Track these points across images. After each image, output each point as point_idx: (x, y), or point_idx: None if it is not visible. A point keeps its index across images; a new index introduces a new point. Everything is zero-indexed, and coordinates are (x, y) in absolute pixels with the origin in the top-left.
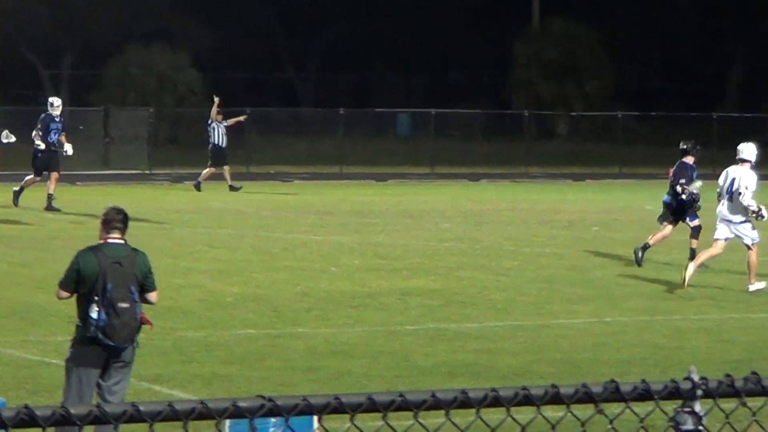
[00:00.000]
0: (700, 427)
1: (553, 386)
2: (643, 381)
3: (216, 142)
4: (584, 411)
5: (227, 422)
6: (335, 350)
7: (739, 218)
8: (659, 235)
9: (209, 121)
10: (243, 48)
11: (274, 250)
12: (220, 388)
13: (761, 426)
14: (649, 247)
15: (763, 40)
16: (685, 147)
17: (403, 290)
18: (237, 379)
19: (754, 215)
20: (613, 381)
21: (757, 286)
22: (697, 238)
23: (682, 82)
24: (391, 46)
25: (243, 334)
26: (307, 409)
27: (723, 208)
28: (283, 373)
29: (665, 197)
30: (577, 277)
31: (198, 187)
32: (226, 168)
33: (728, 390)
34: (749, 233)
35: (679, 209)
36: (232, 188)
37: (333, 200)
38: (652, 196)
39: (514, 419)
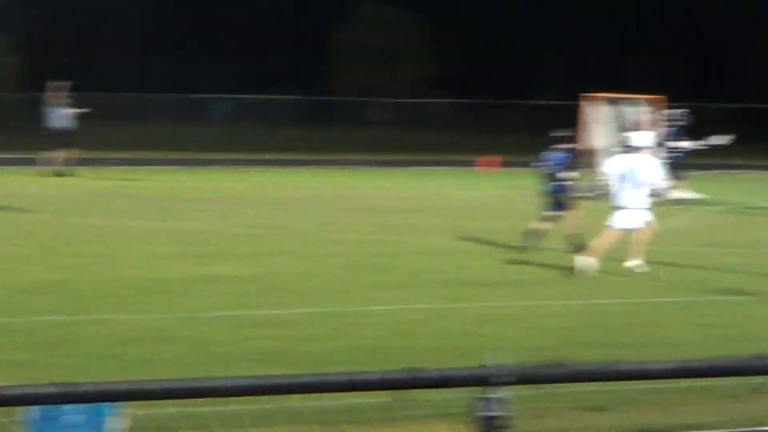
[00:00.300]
0: (502, 413)
1: (355, 373)
2: (446, 368)
3: (53, 125)
4: (386, 398)
5: (23, 409)
6: (138, 337)
7: (640, 204)
8: (574, 222)
9: (47, 106)
10: (64, 31)
11: (85, 235)
12: (16, 375)
13: None
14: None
15: (579, 29)
16: (559, 135)
17: (210, 276)
18: (36, 367)
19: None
20: (415, 368)
21: (635, 263)
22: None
23: (502, 70)
24: (214, 30)
25: (44, 320)
26: (100, 396)
27: (628, 196)
28: (84, 360)
29: (548, 186)
30: (384, 263)
31: (60, 174)
32: (62, 152)
33: (529, 376)
34: (644, 217)
35: (563, 195)
36: (58, 173)
37: (150, 186)
38: (467, 183)
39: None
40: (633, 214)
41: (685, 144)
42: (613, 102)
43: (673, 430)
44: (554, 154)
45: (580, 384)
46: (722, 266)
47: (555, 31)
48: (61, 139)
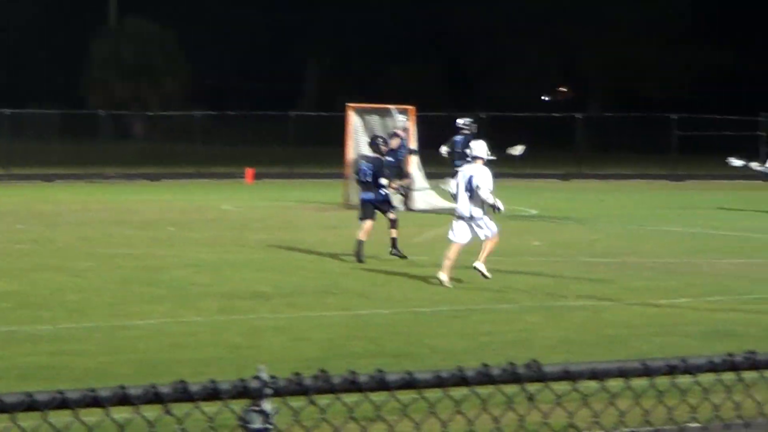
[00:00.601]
0: (269, 425)
1: (122, 387)
2: (212, 381)
3: None
4: (154, 412)
5: None
6: None
7: (479, 213)
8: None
9: None
10: None
11: None
12: None
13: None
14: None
15: (337, 41)
16: (375, 142)
17: None
18: None
19: (492, 209)
20: (181, 381)
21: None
22: (396, 228)
23: (258, 82)
24: None
25: None
26: None
27: (463, 206)
28: None
29: (364, 194)
30: (153, 277)
31: None
32: None
33: (297, 388)
34: (489, 226)
35: (380, 203)
36: None
37: None
38: (228, 196)
39: (82, 421)
40: (470, 224)
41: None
42: (370, 112)
43: None
44: (365, 164)
45: (351, 395)
46: (504, 273)
47: (311, 44)
48: None
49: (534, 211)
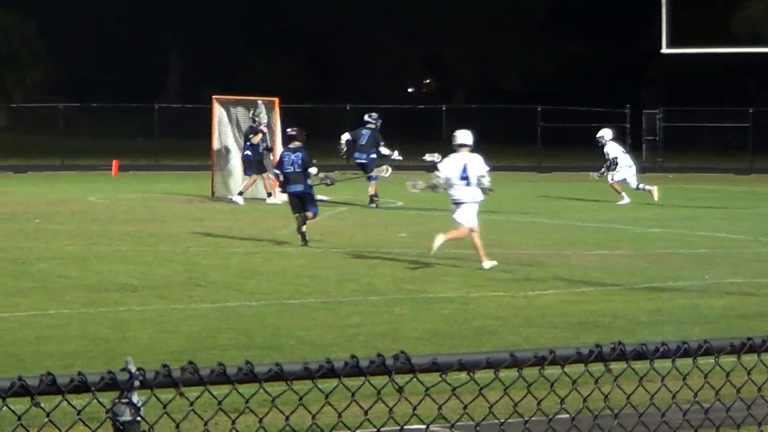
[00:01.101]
0: (138, 418)
1: None
2: (80, 373)
3: None
4: (22, 405)
5: None
6: None
7: (478, 199)
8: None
9: None
10: None
11: None
12: None
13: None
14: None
15: (198, 33)
16: (293, 133)
17: None
18: None
19: (491, 192)
20: (49, 373)
21: (489, 263)
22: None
23: (121, 73)
24: None
25: None
26: None
27: (461, 193)
28: None
29: (292, 187)
30: (18, 269)
31: None
32: None
33: (165, 380)
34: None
35: (305, 195)
36: None
37: None
38: (95, 187)
39: None
40: (470, 209)
41: (385, 151)
42: (236, 104)
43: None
44: (292, 154)
45: (219, 387)
46: (372, 265)
47: (174, 35)
48: None
49: (400, 203)
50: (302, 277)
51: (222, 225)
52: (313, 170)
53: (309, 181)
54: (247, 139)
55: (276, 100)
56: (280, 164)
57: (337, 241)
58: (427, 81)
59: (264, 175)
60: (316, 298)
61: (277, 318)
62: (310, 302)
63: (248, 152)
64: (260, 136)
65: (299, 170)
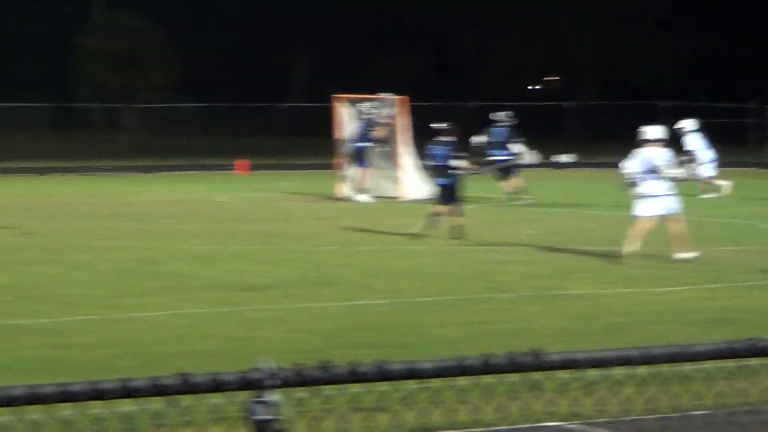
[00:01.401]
0: (273, 417)
1: (126, 380)
2: (216, 373)
3: None
4: (159, 404)
5: None
6: None
7: (668, 190)
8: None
9: None
10: None
11: None
12: None
13: None
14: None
15: (324, 31)
16: (442, 127)
17: None
18: None
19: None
20: (185, 373)
21: (685, 255)
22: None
23: (247, 73)
24: None
25: None
26: None
27: (649, 186)
28: None
29: (440, 180)
30: (149, 269)
31: None
32: None
33: (300, 379)
34: (676, 204)
35: (452, 188)
36: None
37: None
38: (222, 187)
39: (86, 414)
40: (657, 201)
41: (519, 149)
42: (359, 102)
43: (450, 429)
44: (438, 148)
45: (353, 385)
46: (501, 262)
47: (300, 34)
48: None
49: (530, 199)
50: (432, 275)
51: (350, 223)
52: (460, 163)
53: (456, 172)
54: (365, 131)
55: (404, 98)
56: (428, 157)
57: (467, 237)
58: (551, 78)
59: (368, 170)
60: (446, 296)
61: (407, 316)
62: (440, 300)
63: (365, 144)
64: (383, 130)
65: (447, 163)
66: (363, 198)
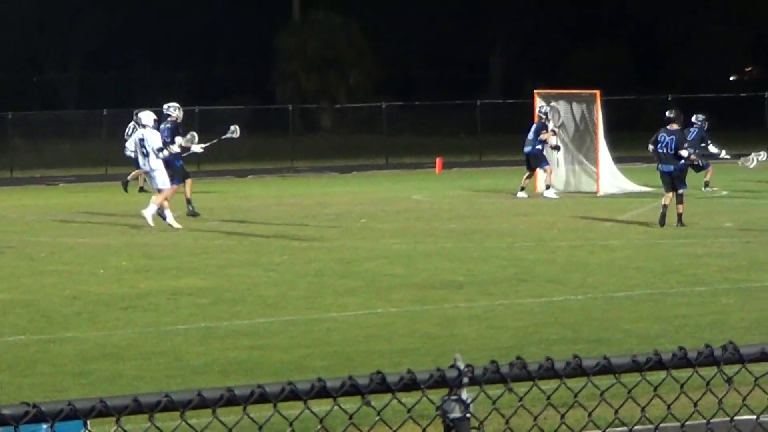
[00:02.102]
0: (468, 415)
1: (320, 380)
2: (409, 371)
3: None
4: (353, 404)
5: None
6: (106, 353)
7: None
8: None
9: None
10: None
11: (41, 254)
12: None
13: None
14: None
15: (521, 27)
16: (671, 115)
17: (173, 290)
18: (7, 387)
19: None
20: (379, 372)
21: None
22: (683, 203)
23: (443, 71)
24: (150, 42)
25: (12, 340)
26: (72, 414)
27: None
28: (54, 379)
29: (663, 166)
30: (346, 269)
31: None
32: None
33: (494, 376)
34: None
35: (676, 176)
36: None
37: (99, 202)
38: (419, 185)
39: (281, 414)
40: None
41: (714, 151)
42: (557, 98)
43: (644, 423)
44: (667, 136)
45: (547, 381)
46: (697, 255)
47: (497, 30)
48: None
49: (725, 192)
50: (628, 269)
51: (546, 219)
52: (684, 153)
53: (681, 162)
54: (536, 134)
55: (597, 92)
56: (654, 143)
57: (662, 231)
58: (749, 68)
59: (547, 167)
60: (641, 290)
61: (603, 311)
62: (636, 294)
63: (539, 147)
64: (551, 134)
65: (671, 152)
66: (549, 194)
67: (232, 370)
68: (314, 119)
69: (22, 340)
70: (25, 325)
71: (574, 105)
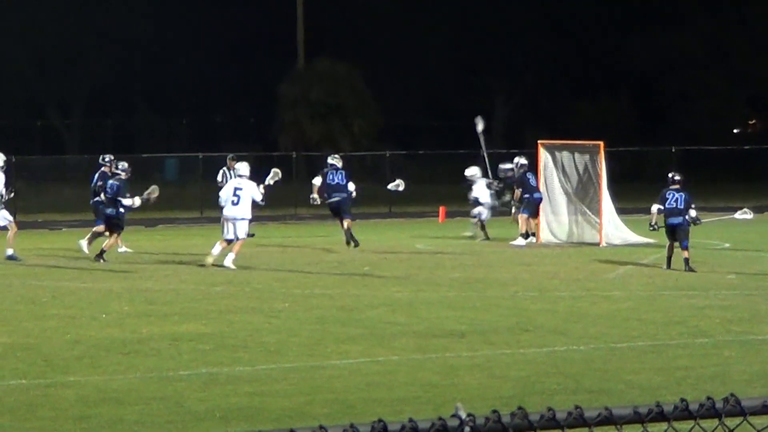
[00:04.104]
0: None
1: (321, 427)
2: (411, 419)
3: None
4: None
5: None
6: (107, 398)
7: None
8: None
9: None
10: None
11: (43, 298)
12: None
13: None
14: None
15: (522, 76)
16: (677, 177)
17: (174, 335)
18: (8, 431)
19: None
20: (380, 420)
21: None
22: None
23: (446, 119)
24: (152, 88)
25: (13, 384)
26: None
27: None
28: (54, 423)
29: (672, 219)
30: (348, 317)
31: None
32: None
33: (495, 426)
34: None
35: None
36: None
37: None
38: (422, 234)
39: None
40: None
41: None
42: (561, 148)
43: None
44: (676, 193)
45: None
46: (699, 307)
47: (499, 81)
48: None
49: (727, 245)
50: (630, 320)
51: (548, 269)
52: (693, 213)
53: (687, 217)
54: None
55: (600, 143)
56: (662, 200)
57: (664, 283)
58: (752, 121)
59: (524, 215)
60: (643, 341)
61: (605, 362)
62: (638, 345)
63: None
64: (515, 191)
65: (681, 206)
66: (518, 242)
67: (233, 416)
68: (317, 167)
69: (23, 384)
70: (26, 369)
71: (578, 156)
